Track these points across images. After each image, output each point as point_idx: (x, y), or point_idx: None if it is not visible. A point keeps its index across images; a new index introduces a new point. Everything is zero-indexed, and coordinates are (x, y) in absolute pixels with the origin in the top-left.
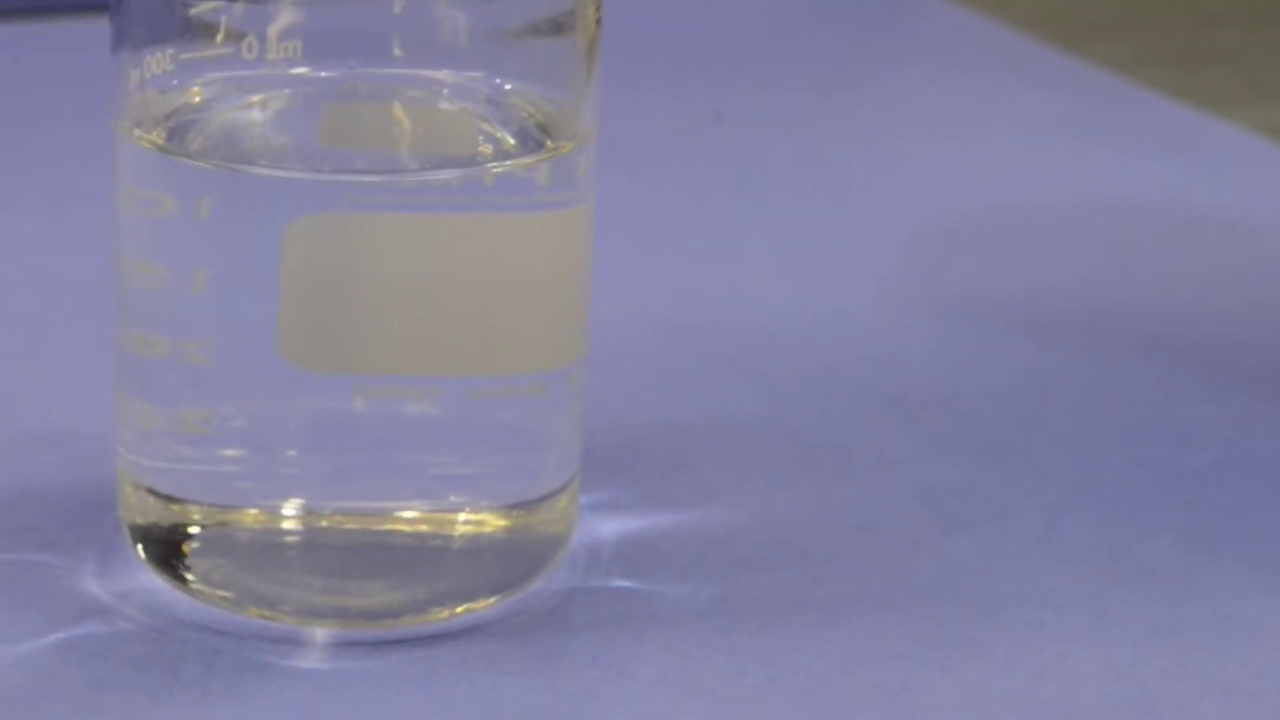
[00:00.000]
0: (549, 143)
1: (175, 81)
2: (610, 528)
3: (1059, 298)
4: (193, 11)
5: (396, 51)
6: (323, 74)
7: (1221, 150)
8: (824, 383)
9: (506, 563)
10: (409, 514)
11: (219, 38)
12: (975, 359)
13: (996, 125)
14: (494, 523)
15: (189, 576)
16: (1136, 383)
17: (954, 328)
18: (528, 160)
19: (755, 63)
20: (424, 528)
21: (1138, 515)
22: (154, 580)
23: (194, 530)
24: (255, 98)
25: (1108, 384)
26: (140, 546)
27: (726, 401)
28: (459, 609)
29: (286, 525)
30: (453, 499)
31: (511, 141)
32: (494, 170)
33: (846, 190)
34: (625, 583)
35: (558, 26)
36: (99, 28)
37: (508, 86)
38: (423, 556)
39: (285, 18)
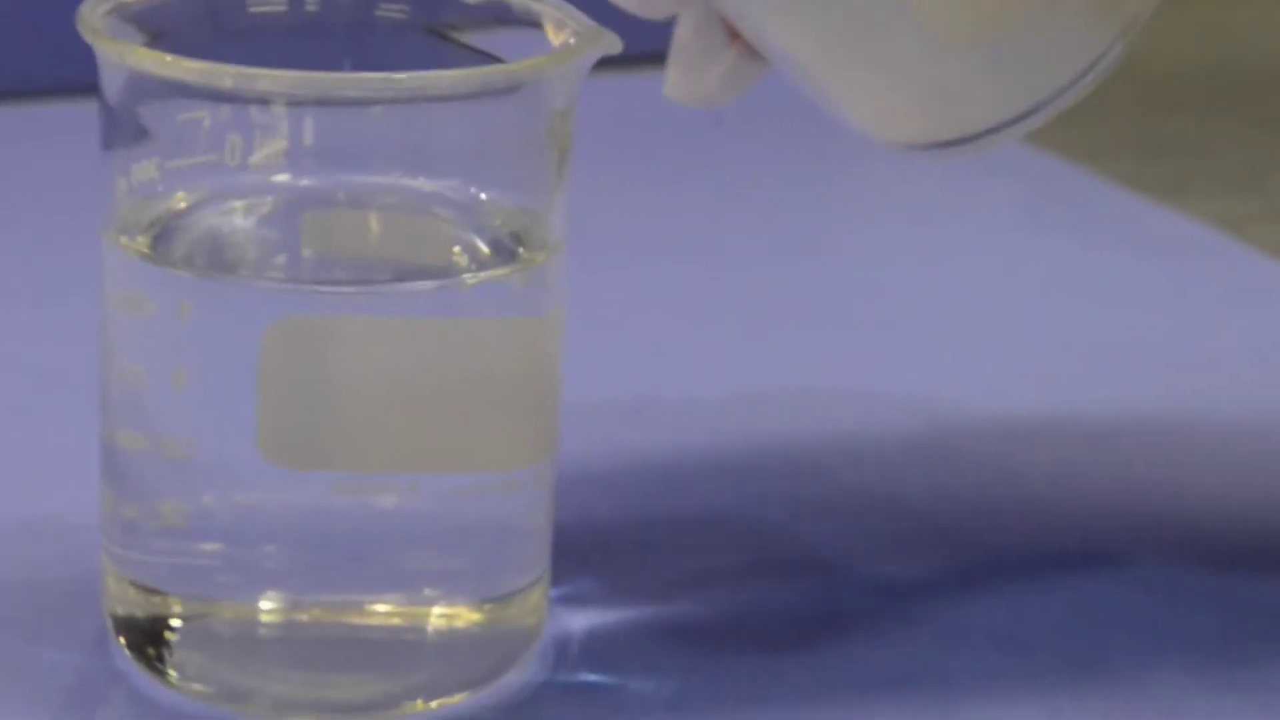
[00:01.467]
0: (522, 251)
1: (160, 188)
2: (579, 621)
3: (1021, 389)
4: (179, 119)
5: (375, 160)
6: (304, 181)
7: (1175, 241)
8: (789, 476)
9: (479, 656)
10: (384, 608)
11: (203, 145)
12: (938, 452)
13: (961, 214)
14: (467, 616)
15: (169, 670)
16: (1093, 477)
17: (918, 422)
18: (502, 271)
19: (726, 151)
20: (398, 621)
21: (1095, 612)
22: (135, 672)
23: (174, 622)
24: (238, 204)
25: (1068, 479)
26: (122, 637)
27: (693, 494)
28: (433, 703)
29: (264, 619)
30: (427, 593)
31: (486, 250)
32: (469, 280)
33: (816, 278)
34: (594, 677)
35: (531, 139)
36: (88, 110)
37: (483, 195)
38: (398, 650)
39: (267, 125)
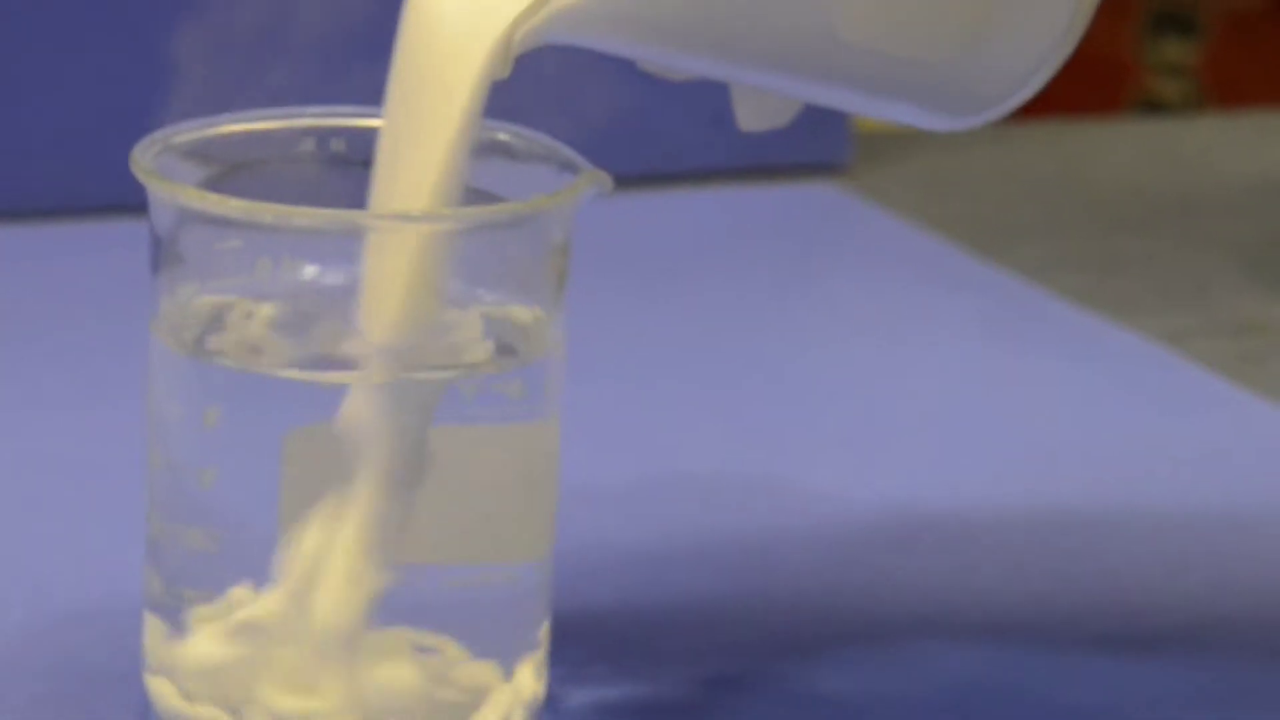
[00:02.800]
0: (521, 356)
1: (198, 298)
2: (577, 697)
3: (976, 489)
4: (217, 246)
5: None
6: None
7: (1121, 354)
8: (771, 567)
9: None
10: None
11: (237, 267)
12: (899, 544)
13: (923, 326)
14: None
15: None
16: (1039, 568)
17: (880, 517)
18: (506, 365)
19: (705, 268)
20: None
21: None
22: None
23: None
24: (266, 307)
25: (1017, 569)
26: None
27: (682, 581)
28: None
29: None
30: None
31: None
32: (472, 385)
33: (788, 384)
34: None
35: (532, 266)
36: (128, 228)
37: (488, 310)
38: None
39: (296, 248)
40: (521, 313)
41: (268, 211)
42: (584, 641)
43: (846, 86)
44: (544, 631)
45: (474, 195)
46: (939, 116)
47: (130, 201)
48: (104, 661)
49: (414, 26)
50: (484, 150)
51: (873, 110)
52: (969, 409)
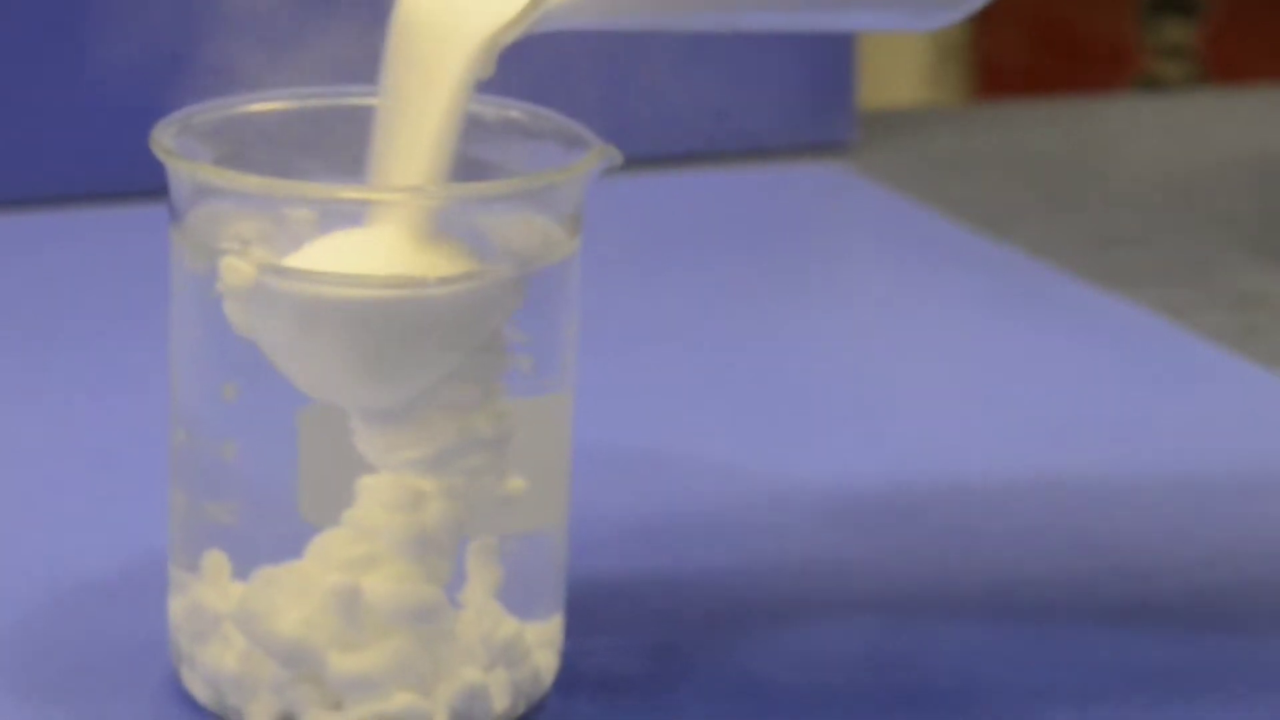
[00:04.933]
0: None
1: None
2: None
3: (981, 461)
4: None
5: None
6: None
7: (1124, 327)
8: (779, 538)
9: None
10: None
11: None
12: (905, 516)
13: (928, 302)
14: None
15: None
16: (1046, 536)
17: (884, 487)
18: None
19: (714, 246)
20: None
21: (1047, 658)
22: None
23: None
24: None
25: (1022, 539)
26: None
27: (690, 553)
28: None
29: None
30: None
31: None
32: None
33: (789, 363)
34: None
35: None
36: (147, 212)
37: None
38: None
39: (303, 220)
40: (536, 288)
41: (280, 187)
42: (590, 613)
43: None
44: (559, 598)
45: (485, 170)
46: (918, 16)
47: (145, 186)
48: (128, 634)
49: (401, 25)
50: (495, 127)
51: (856, 20)
52: (974, 384)
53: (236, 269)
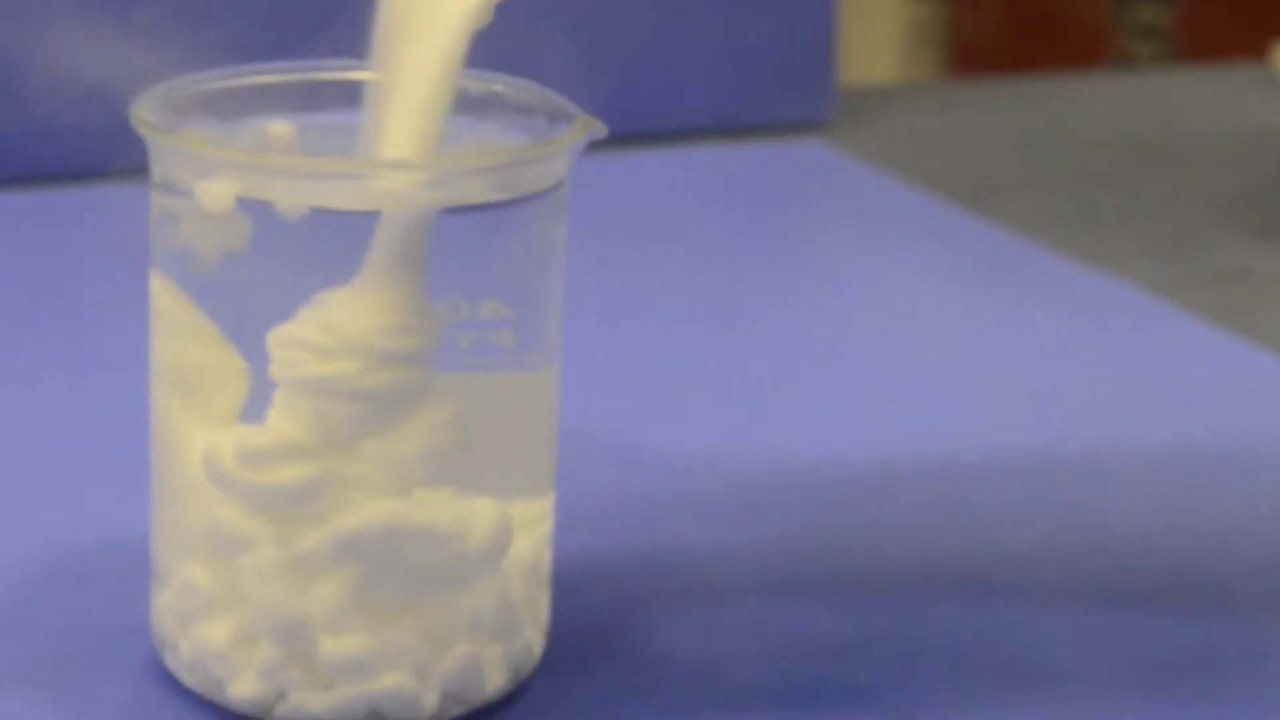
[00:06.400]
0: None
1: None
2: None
3: (966, 437)
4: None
5: None
6: None
7: (1108, 303)
8: (763, 517)
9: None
10: None
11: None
12: (887, 492)
13: (911, 279)
14: None
15: None
16: (1032, 512)
17: (869, 462)
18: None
19: (697, 225)
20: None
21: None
22: (185, 700)
23: None
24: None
25: (1009, 515)
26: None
27: (672, 530)
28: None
29: None
30: None
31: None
32: (469, 335)
33: (769, 340)
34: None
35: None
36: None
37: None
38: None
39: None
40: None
41: (271, 160)
42: (572, 592)
43: None
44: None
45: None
46: None
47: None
48: (108, 619)
49: None
50: (479, 101)
51: None
52: (956, 361)
53: (210, 193)
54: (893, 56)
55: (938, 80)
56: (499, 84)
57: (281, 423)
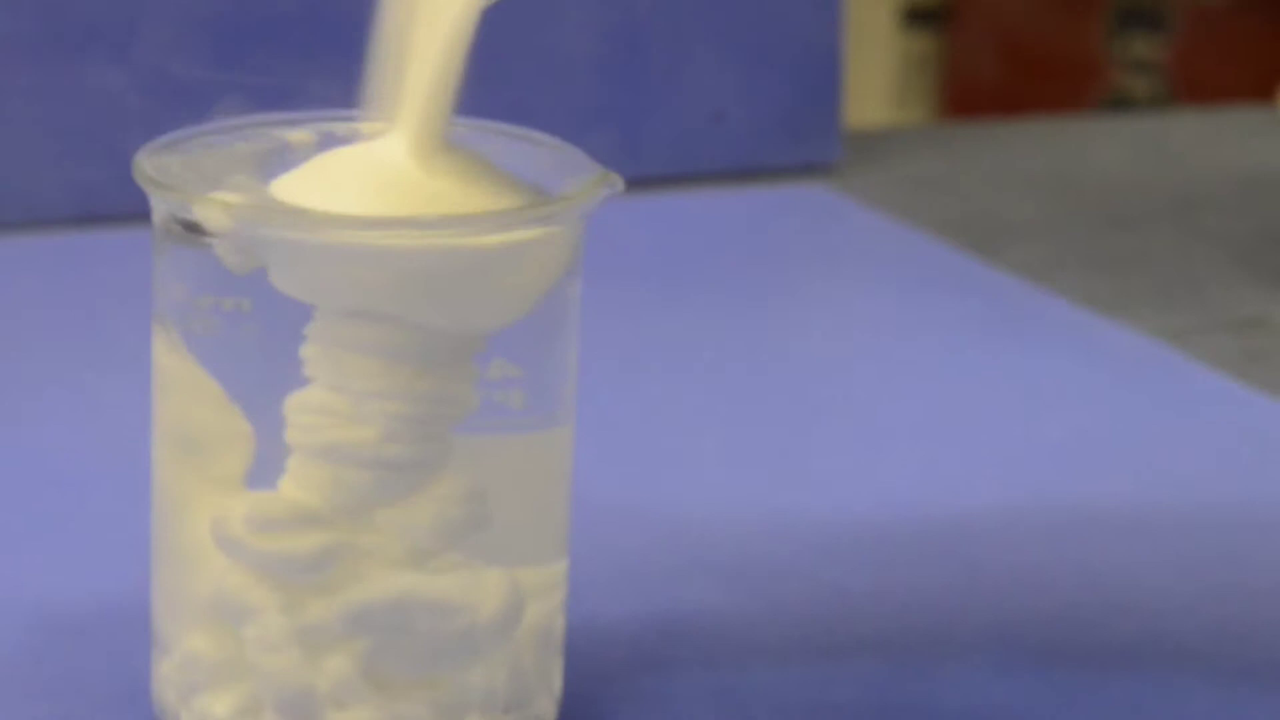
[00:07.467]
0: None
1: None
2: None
3: (980, 488)
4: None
5: None
6: None
7: (1120, 351)
8: (775, 571)
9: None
10: None
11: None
12: (906, 551)
13: (924, 327)
14: None
15: None
16: (1047, 568)
17: (886, 518)
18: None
19: (713, 273)
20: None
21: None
22: None
23: None
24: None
25: (1025, 571)
26: None
27: (687, 593)
28: None
29: None
30: None
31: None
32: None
33: (776, 387)
34: None
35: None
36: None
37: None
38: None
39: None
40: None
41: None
42: (585, 656)
43: None
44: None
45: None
46: None
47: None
48: (106, 680)
49: None
50: (495, 154)
51: None
52: (968, 411)
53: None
54: (885, 97)
55: (935, 118)
56: (515, 136)
57: (295, 490)
